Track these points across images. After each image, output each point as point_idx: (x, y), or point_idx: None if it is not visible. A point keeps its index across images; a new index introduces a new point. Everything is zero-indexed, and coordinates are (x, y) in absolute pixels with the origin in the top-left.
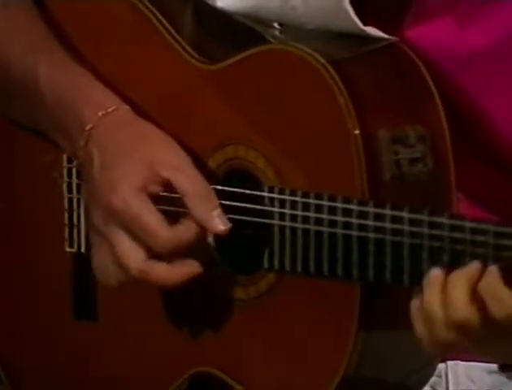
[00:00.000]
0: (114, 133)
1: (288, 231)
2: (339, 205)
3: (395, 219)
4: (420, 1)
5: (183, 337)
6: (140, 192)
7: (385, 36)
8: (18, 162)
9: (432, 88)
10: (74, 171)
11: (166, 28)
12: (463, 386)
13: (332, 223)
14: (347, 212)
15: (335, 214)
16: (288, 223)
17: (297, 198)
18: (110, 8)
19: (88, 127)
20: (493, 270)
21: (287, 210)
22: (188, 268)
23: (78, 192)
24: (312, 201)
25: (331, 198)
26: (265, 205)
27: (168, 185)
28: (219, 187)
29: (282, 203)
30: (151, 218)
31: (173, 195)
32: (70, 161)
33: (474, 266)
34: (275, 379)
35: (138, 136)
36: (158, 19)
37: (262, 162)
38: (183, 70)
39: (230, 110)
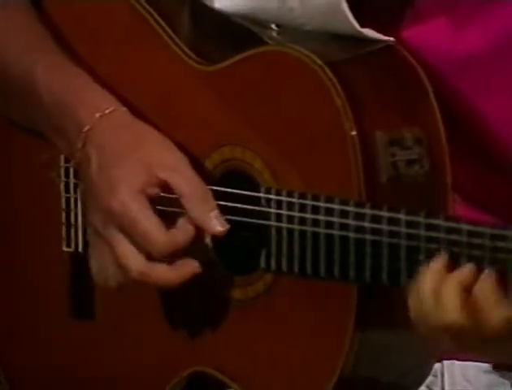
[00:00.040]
0: (112, 135)
1: (285, 233)
2: (336, 206)
3: (392, 221)
4: (418, 2)
5: (180, 337)
6: (139, 196)
7: (382, 37)
8: (15, 161)
9: (429, 90)
10: (71, 170)
11: (163, 29)
12: (459, 385)
13: (329, 225)
14: (344, 213)
15: (332, 216)
16: (284, 224)
17: (294, 199)
18: (107, 9)
19: (85, 129)
20: (488, 274)
21: (284, 211)
22: (187, 268)
23: (75, 191)
24: (309, 202)
25: (328, 200)
26: (262, 206)
27: (166, 186)
28: (216, 187)
29: (279, 204)
30: (148, 223)
31: (171, 196)
32: (67, 160)
33: (467, 268)
34: (272, 378)
35: (135, 137)
36: (155, 20)
37: (259, 163)
38: (180, 71)
39: (227, 111)
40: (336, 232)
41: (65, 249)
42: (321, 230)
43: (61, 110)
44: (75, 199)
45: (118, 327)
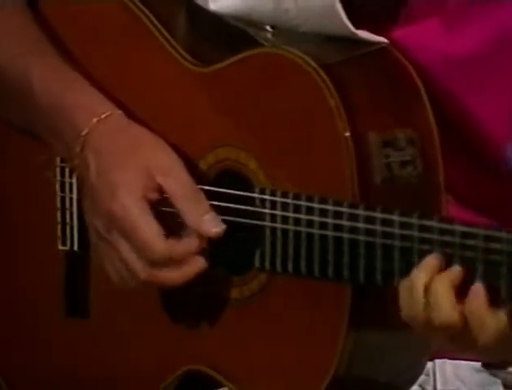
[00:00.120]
0: (109, 139)
1: (279, 233)
2: (330, 207)
3: (385, 222)
4: (411, 3)
5: (175, 335)
6: (140, 201)
7: (376, 39)
8: (11, 161)
9: (422, 91)
10: (67, 170)
11: (159, 31)
12: (451, 384)
13: (323, 225)
14: (338, 214)
15: (326, 217)
16: (279, 225)
17: (289, 200)
18: (103, 11)
19: (83, 133)
20: (478, 289)
21: (278, 212)
22: (191, 267)
23: (71, 191)
24: (303, 203)
25: (323, 200)
26: (256, 207)
27: (163, 190)
28: (211, 188)
29: (273, 205)
30: (148, 229)
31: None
32: (63, 160)
33: (458, 268)
34: (266, 377)
35: (132, 141)
36: (151, 22)
37: (253, 164)
38: (176, 72)
39: (222, 112)
40: (330, 233)
41: (60, 247)
42: (315, 230)
43: (57, 113)
44: (71, 198)
45: (113, 325)
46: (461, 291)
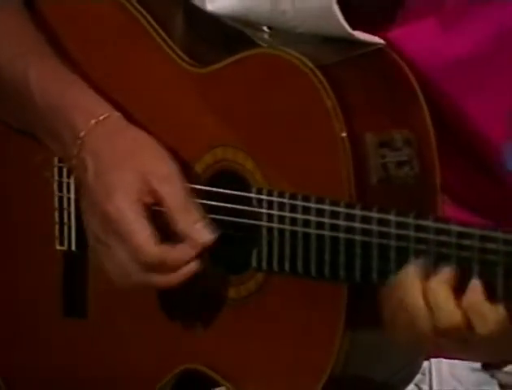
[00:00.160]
0: (107, 141)
1: (276, 233)
2: (326, 207)
3: (382, 222)
4: (407, 4)
5: (173, 334)
6: (136, 204)
7: (373, 40)
8: (9, 161)
9: (418, 92)
10: (65, 170)
11: (156, 31)
12: (447, 383)
13: (320, 225)
14: (334, 214)
15: (322, 216)
16: (276, 225)
17: (285, 200)
18: (101, 12)
19: (81, 135)
20: (476, 286)
21: (275, 212)
22: (187, 270)
23: (68, 190)
24: (300, 203)
25: (319, 200)
26: (253, 207)
27: (157, 197)
28: (208, 188)
29: (270, 205)
30: (141, 233)
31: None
32: (60, 160)
33: (449, 269)
34: (263, 377)
35: (129, 144)
36: (148, 22)
37: (250, 164)
38: (173, 73)
39: (219, 113)
40: (326, 233)
41: (58, 247)
42: (312, 230)
43: (55, 114)
44: (69, 198)
45: (111, 325)
46: (458, 291)
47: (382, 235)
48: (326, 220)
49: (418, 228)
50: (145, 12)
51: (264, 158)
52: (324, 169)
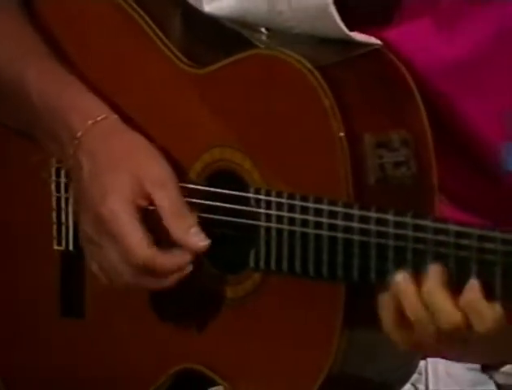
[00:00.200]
0: (103, 142)
1: (273, 232)
2: (324, 207)
3: (380, 222)
4: (404, 5)
5: (170, 334)
6: (129, 206)
7: (370, 41)
8: (7, 161)
9: (415, 93)
10: (62, 170)
11: (154, 32)
12: (443, 383)
13: (318, 225)
14: (332, 214)
15: (320, 216)
16: (274, 225)
17: (283, 200)
18: (98, 12)
19: (78, 135)
20: (473, 285)
21: (273, 212)
22: (180, 271)
23: (66, 191)
24: (298, 202)
25: (317, 200)
26: (251, 207)
27: (151, 200)
28: (206, 187)
29: (268, 204)
30: (133, 235)
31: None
32: (58, 161)
33: (435, 268)
34: (260, 377)
35: (125, 146)
36: (146, 23)
37: (248, 164)
38: (171, 73)
39: (217, 113)
40: (324, 233)
41: (56, 247)
42: (310, 230)
43: (52, 115)
44: (66, 199)
45: (108, 325)
46: (456, 291)
47: (380, 234)
48: (324, 220)
49: (416, 228)
50: (142, 13)
51: (262, 157)
52: (322, 169)
